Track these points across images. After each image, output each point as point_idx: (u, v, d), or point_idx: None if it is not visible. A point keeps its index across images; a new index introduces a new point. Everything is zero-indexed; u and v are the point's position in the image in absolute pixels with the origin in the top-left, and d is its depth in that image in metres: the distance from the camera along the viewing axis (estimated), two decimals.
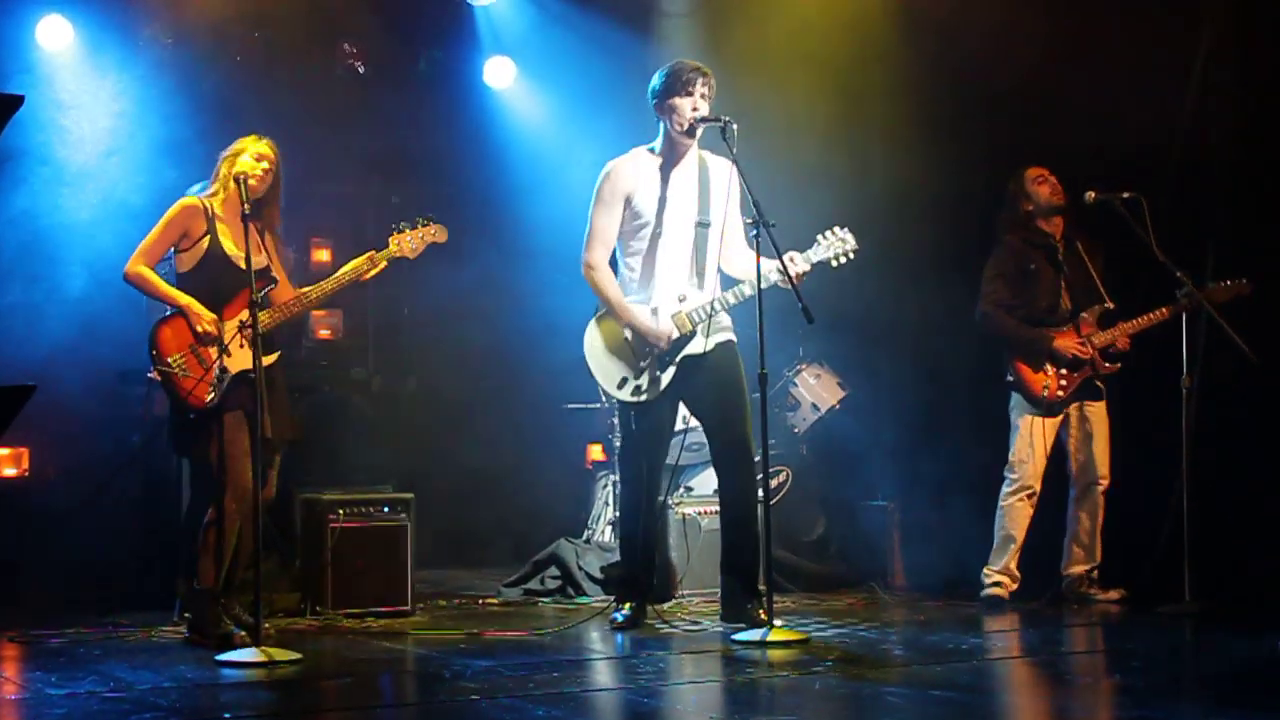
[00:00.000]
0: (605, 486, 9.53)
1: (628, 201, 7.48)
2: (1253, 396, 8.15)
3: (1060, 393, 8.24)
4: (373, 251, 7.38)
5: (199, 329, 7.01)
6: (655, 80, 7.47)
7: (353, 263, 7.38)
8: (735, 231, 7.50)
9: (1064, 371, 8.24)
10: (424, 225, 7.49)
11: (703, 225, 7.47)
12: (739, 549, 7.38)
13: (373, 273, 7.36)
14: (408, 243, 7.44)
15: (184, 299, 7.06)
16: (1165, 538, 8.11)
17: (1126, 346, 8.25)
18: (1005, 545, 8.32)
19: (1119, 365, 8.27)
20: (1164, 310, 8.14)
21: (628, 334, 7.45)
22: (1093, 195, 8.15)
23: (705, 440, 8.90)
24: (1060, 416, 8.30)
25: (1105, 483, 8.31)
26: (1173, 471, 7.98)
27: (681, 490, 9.16)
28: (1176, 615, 7.75)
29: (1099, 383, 8.30)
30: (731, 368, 7.38)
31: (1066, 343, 8.23)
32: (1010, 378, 8.33)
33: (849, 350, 9.71)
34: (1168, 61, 8.77)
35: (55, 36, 9.06)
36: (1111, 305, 8.28)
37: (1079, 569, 8.34)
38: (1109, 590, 8.29)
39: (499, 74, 10.46)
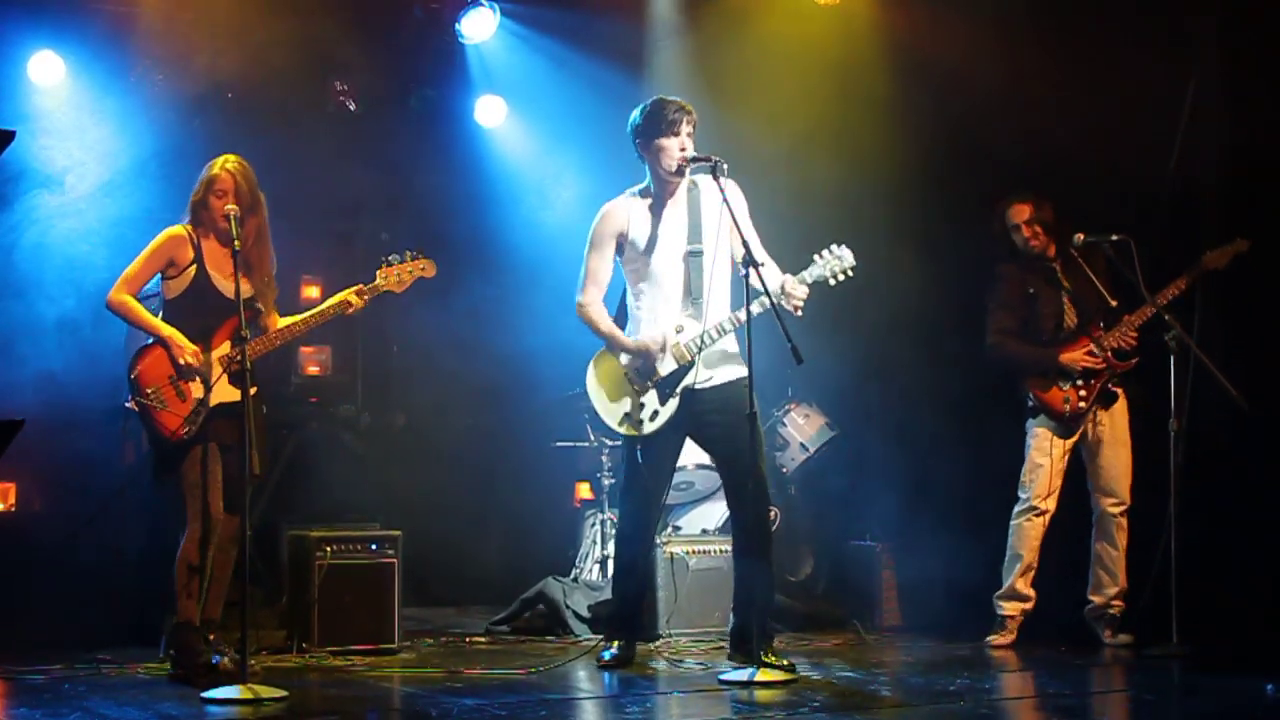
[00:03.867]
0: (593, 525, 9.52)
1: (621, 243, 7.49)
2: (1241, 439, 8.16)
3: (1082, 404, 8.22)
4: (360, 285, 7.39)
5: (181, 361, 7.01)
6: (635, 117, 7.46)
7: (338, 295, 7.38)
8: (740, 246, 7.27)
9: (1079, 382, 8.25)
10: (412, 259, 7.48)
11: (694, 254, 7.46)
12: (753, 586, 7.26)
13: (356, 307, 7.36)
14: (394, 276, 7.44)
15: (166, 330, 7.05)
16: (1153, 580, 8.10)
17: (1135, 342, 8.22)
18: (1012, 564, 8.31)
19: (1135, 361, 8.24)
20: (1175, 286, 8.10)
21: (626, 369, 7.45)
22: (1081, 238, 8.18)
23: (693, 480, 8.97)
24: (1077, 435, 8.29)
25: (1124, 505, 8.24)
26: (1161, 514, 7.97)
27: (670, 529, 9.15)
28: (1164, 657, 7.74)
29: (1115, 387, 8.28)
30: (742, 401, 7.27)
31: (1073, 355, 8.22)
32: (1030, 403, 8.32)
33: (838, 390, 9.72)
34: (1157, 109, 8.82)
35: (47, 72, 9.08)
36: (1114, 303, 8.24)
37: (1100, 597, 8.25)
38: (1119, 634, 8.22)
39: (490, 112, 10.49)
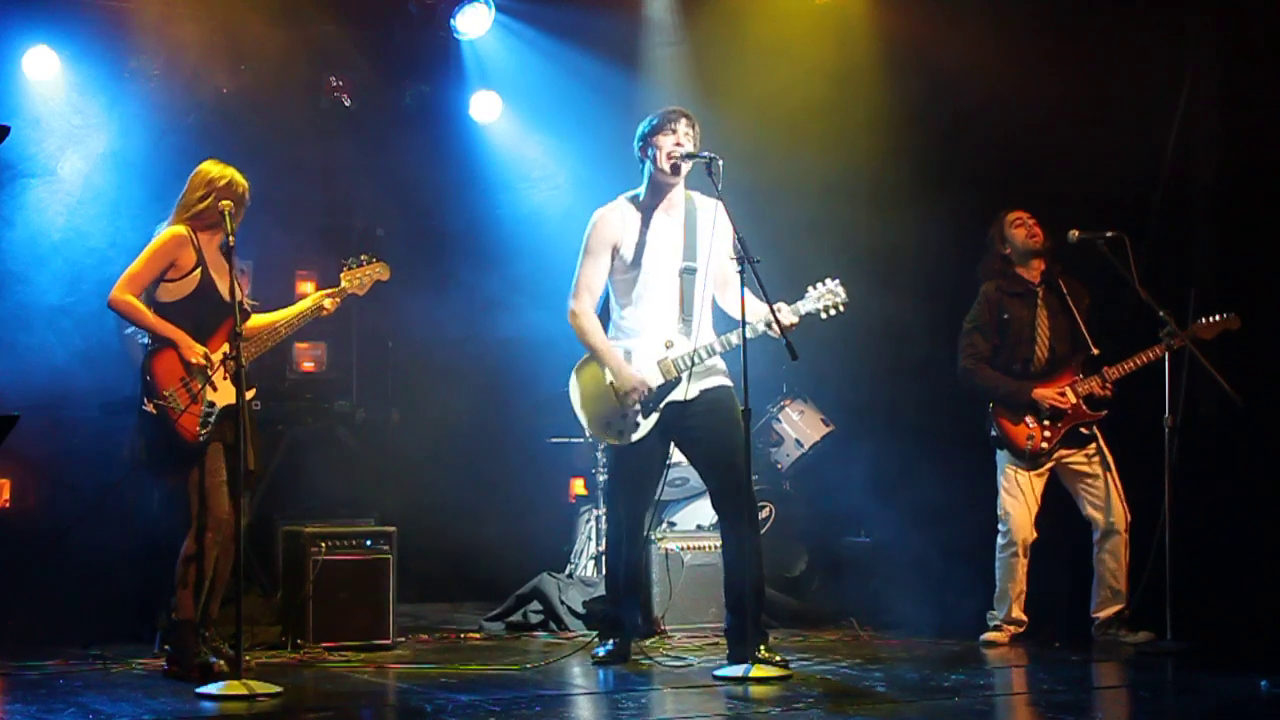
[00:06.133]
0: (588, 521, 9.53)
1: (615, 250, 7.46)
2: (1235, 435, 8.16)
3: (1044, 444, 8.21)
4: (330, 289, 7.46)
5: (191, 361, 6.99)
6: (640, 127, 7.49)
7: (312, 297, 7.44)
8: (729, 273, 7.36)
9: (1046, 423, 8.23)
10: (368, 264, 7.57)
11: (689, 271, 7.46)
12: (742, 590, 7.22)
13: (329, 309, 7.42)
14: (355, 280, 7.53)
15: (174, 331, 7.02)
16: (1146, 577, 8.11)
17: (1109, 393, 8.23)
18: (1004, 598, 8.30)
19: (1103, 413, 8.25)
20: (1151, 352, 8.11)
21: (611, 379, 7.43)
22: (1076, 234, 8.17)
23: (688, 476, 8.96)
24: (1046, 468, 8.30)
25: (1125, 521, 8.19)
26: (1155, 511, 7.98)
27: (664, 525, 9.15)
28: (1158, 654, 7.74)
29: (1085, 429, 8.27)
30: (728, 412, 7.28)
31: (1045, 393, 8.21)
32: (994, 433, 8.30)
33: (833, 385, 9.73)
34: (1152, 105, 8.83)
35: (42, 68, 9.06)
36: (1096, 351, 8.25)
37: (1107, 611, 8.22)
38: (1137, 632, 8.16)
39: (485, 108, 10.47)
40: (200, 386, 6.98)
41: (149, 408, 7.00)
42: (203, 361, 7.00)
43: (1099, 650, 8.00)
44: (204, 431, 6.98)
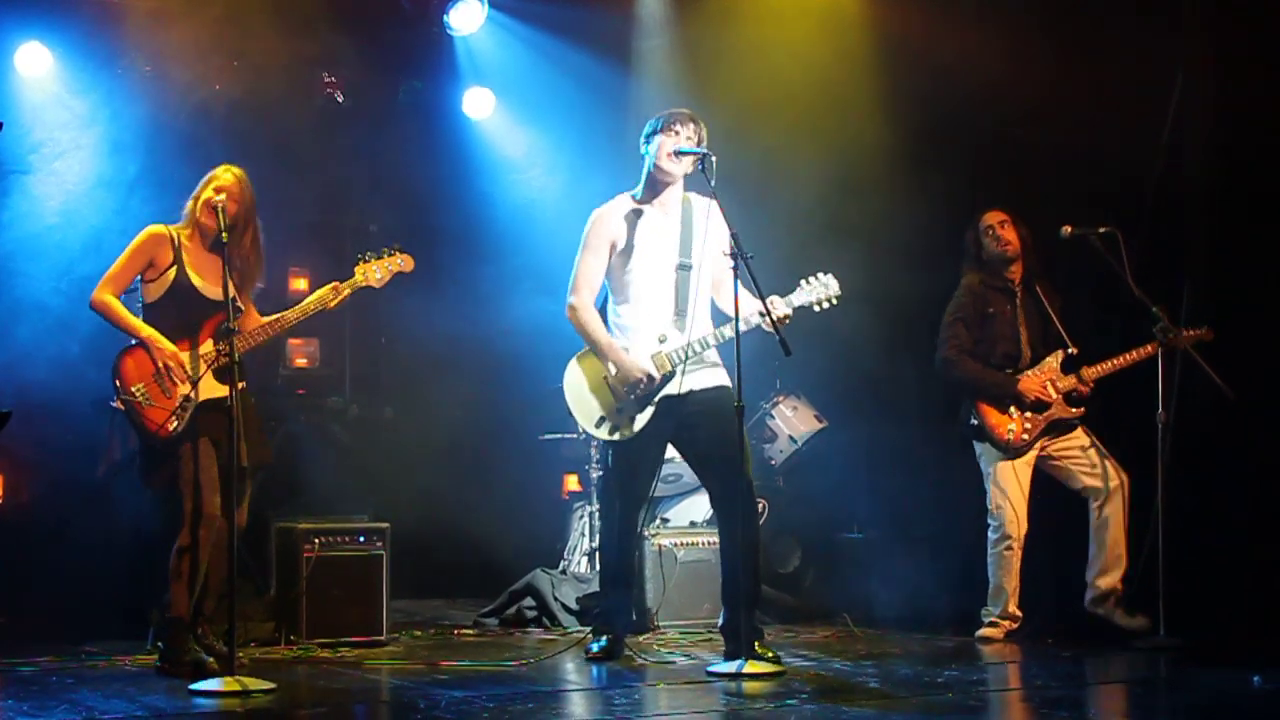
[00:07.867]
0: (581, 517, 9.52)
1: (613, 247, 7.48)
2: (1228, 431, 8.17)
3: (1025, 435, 8.22)
4: (336, 282, 7.39)
5: (160, 363, 6.99)
6: (646, 127, 7.50)
7: (317, 293, 7.38)
8: (724, 272, 7.32)
9: (1028, 415, 8.23)
10: (390, 255, 7.49)
11: (684, 268, 7.46)
12: (740, 586, 7.22)
13: (336, 302, 7.37)
14: (374, 272, 7.44)
15: (146, 331, 7.03)
16: (1139, 572, 8.11)
17: (1087, 392, 8.23)
18: (999, 594, 8.29)
19: (1082, 410, 8.26)
20: (1131, 354, 8.13)
21: (608, 374, 7.43)
22: (1069, 230, 8.17)
23: (681, 472, 8.96)
24: (1029, 457, 8.29)
25: (1123, 481, 8.16)
26: (1148, 506, 7.98)
27: (658, 521, 9.15)
28: (1151, 649, 7.74)
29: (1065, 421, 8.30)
30: (724, 408, 7.25)
31: (1031, 385, 8.22)
32: (974, 421, 8.31)
33: (827, 381, 9.72)
34: (1145, 99, 8.82)
35: (34, 63, 9.05)
36: (1074, 350, 8.27)
37: (1105, 581, 8.17)
38: (1135, 615, 8.11)
39: (478, 104, 10.48)
40: (190, 386, 6.96)
41: (117, 404, 7.01)
42: (171, 363, 6.99)
43: (1092, 643, 7.98)
44: (175, 426, 6.97)
